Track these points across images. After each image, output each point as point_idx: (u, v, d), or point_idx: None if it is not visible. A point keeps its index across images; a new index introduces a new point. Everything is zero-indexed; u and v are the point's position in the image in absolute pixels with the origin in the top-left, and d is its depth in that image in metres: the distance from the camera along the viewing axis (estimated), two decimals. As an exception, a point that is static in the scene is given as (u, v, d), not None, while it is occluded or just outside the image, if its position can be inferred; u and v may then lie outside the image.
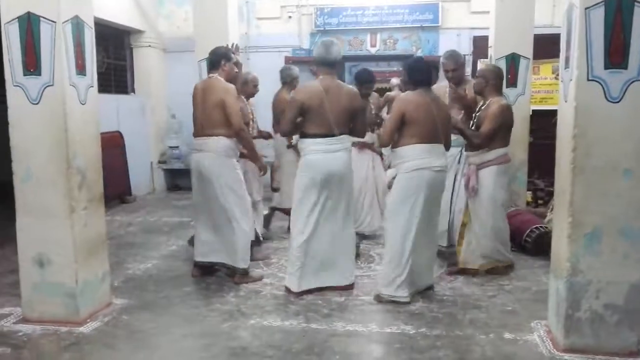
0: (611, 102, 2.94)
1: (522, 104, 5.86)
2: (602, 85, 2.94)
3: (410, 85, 4.02)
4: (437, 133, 3.86)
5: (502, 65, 5.81)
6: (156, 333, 3.46)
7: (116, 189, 7.45)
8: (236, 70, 4.52)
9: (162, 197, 8.56)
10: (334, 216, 4.05)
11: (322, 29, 8.87)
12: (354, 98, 4.04)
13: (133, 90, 9.00)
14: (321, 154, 3.94)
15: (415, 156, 3.83)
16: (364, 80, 5.20)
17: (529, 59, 5.83)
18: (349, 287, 4.13)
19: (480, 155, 4.44)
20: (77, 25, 3.50)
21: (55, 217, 3.47)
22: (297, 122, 3.99)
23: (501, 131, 4.38)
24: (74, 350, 3.22)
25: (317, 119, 3.92)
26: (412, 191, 3.83)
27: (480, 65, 5.11)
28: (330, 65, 4.04)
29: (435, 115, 3.85)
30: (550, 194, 6.44)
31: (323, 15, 8.85)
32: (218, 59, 4.37)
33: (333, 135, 3.94)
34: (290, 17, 8.99)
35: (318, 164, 3.94)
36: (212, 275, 4.49)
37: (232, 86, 4.26)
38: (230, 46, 4.91)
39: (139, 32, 8.81)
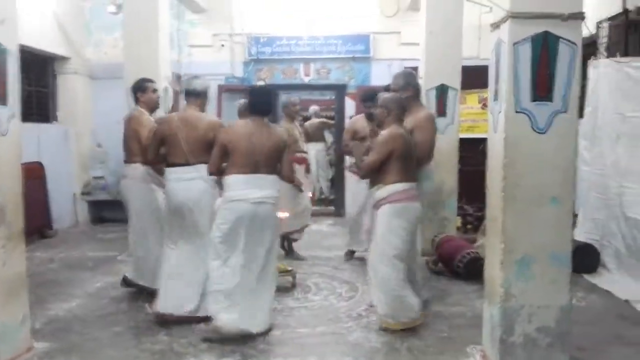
0: (538, 133, 3.07)
1: (451, 133, 6.06)
2: (529, 117, 3.06)
3: (248, 112, 4.05)
4: (257, 163, 3.75)
5: (432, 95, 6.01)
6: (82, 378, 3.25)
7: (36, 223, 7.01)
8: (157, 95, 4.79)
9: (86, 230, 8.12)
10: (187, 246, 4.08)
11: (255, 57, 8.88)
12: (211, 129, 4.03)
13: (56, 119, 8.60)
14: (174, 182, 4.03)
15: (232, 187, 3.76)
16: (367, 98, 5.30)
17: (457, 89, 6.05)
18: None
19: (376, 192, 3.99)
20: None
21: (-30, 256, 3.21)
22: (161, 152, 4.16)
23: (392, 162, 3.87)
24: (-11, 402, 2.96)
25: (172, 148, 4.05)
26: (229, 225, 3.72)
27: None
28: (194, 96, 4.20)
29: (256, 145, 3.75)
30: (479, 219, 6.66)
31: (257, 45, 8.87)
32: (134, 93, 4.71)
33: (188, 164, 4.00)
34: (223, 45, 8.95)
35: (170, 193, 4.06)
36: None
37: (145, 118, 4.55)
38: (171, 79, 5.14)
39: (64, 58, 8.47)
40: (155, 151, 4.17)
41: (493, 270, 3.30)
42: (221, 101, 8.61)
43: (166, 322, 3.98)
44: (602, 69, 5.49)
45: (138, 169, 4.49)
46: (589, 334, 3.82)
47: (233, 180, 3.77)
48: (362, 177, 4.26)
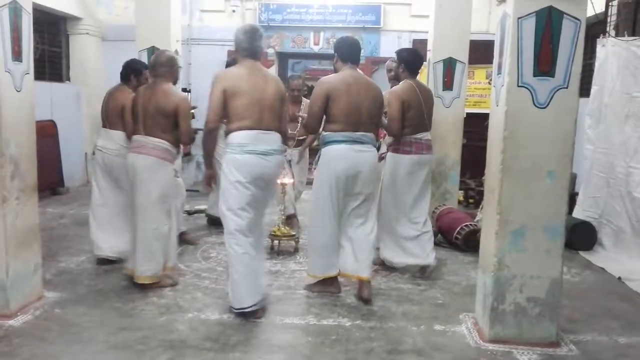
0: (538, 107, 3.13)
1: (457, 106, 6.09)
2: (530, 91, 3.11)
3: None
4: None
5: (440, 68, 6.04)
6: (90, 326, 3.40)
7: (48, 180, 7.19)
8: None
9: (97, 189, 8.30)
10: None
11: (266, 24, 8.87)
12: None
13: (68, 79, 8.71)
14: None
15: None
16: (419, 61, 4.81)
17: (464, 63, 6.06)
18: None
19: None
20: (15, 10, 3.39)
21: (-15, 206, 3.35)
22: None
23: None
24: (4, 343, 3.12)
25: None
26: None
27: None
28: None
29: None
30: (481, 194, 6.73)
31: (267, 11, 8.87)
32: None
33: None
34: (234, 11, 8.95)
35: None
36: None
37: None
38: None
39: (76, 18, 8.54)
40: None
41: (488, 240, 3.40)
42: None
43: None
44: (609, 47, 5.49)
45: None
46: (579, 307, 3.95)
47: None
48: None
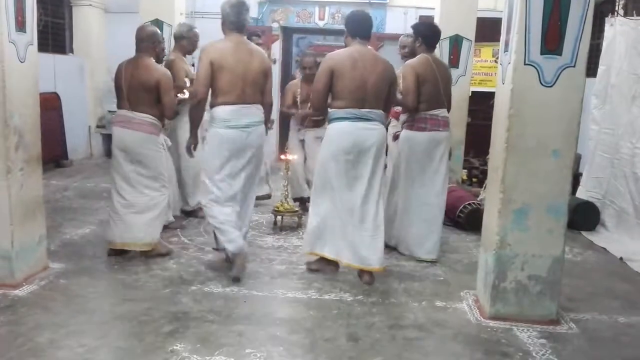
0: (545, 86, 3.10)
1: (463, 84, 6.06)
2: (537, 69, 3.09)
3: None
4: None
5: (446, 46, 5.99)
6: (95, 297, 3.44)
7: (52, 152, 7.18)
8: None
9: (100, 162, 8.33)
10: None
11: (270, -2, 8.79)
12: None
13: (71, 50, 8.65)
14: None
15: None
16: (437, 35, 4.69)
17: (471, 41, 6.02)
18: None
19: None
20: (18, -20, 3.35)
21: (-10, 177, 3.36)
22: None
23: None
24: (9, 312, 3.16)
25: None
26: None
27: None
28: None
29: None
30: (484, 173, 6.73)
31: (272, -15, 8.75)
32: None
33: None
34: (238, -16, 8.83)
35: None
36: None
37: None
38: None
39: (79, -11, 8.46)
40: None
41: (490, 218, 3.40)
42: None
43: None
44: (618, 27, 5.43)
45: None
46: (580, 286, 3.97)
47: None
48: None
